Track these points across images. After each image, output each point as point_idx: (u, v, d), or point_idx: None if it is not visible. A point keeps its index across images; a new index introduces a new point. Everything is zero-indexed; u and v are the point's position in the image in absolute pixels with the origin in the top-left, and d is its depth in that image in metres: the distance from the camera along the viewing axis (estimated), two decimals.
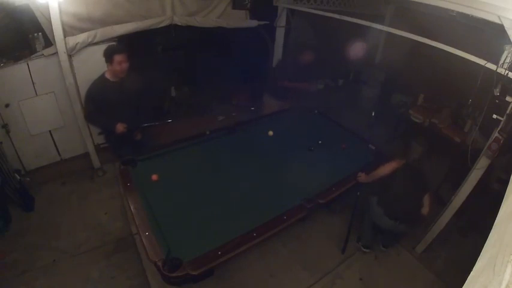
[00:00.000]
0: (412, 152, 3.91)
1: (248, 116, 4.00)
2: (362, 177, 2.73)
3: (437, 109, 3.95)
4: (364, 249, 2.90)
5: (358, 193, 2.68)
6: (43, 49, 3.01)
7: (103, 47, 3.26)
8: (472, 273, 0.96)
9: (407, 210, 2.63)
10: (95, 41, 3.15)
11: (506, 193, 1.25)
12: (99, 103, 2.69)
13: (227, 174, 2.81)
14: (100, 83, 2.70)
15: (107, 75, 2.71)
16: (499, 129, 2.17)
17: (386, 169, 2.63)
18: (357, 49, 4.22)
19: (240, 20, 4.03)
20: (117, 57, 2.57)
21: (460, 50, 2.21)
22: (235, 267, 2.60)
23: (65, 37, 2.93)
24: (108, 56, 2.59)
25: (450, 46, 2.28)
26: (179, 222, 2.29)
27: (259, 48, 4.88)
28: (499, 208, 1.17)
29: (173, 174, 2.77)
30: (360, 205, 2.79)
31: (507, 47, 1.97)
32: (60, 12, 2.77)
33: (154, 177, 2.63)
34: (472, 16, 2.34)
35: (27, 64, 3.00)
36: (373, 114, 4.31)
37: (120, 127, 2.75)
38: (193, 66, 4.83)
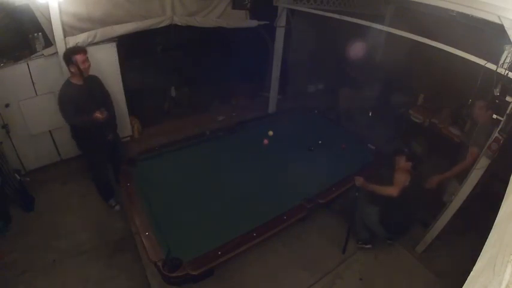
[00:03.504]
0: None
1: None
2: (360, 181, 2.67)
3: (437, 109, 3.95)
4: (366, 246, 2.90)
5: (357, 194, 2.67)
6: (43, 49, 3.01)
7: (103, 47, 3.30)
8: (472, 273, 0.96)
9: (408, 226, 2.78)
10: (95, 41, 3.15)
11: (506, 193, 1.25)
12: (73, 108, 2.56)
13: (227, 174, 2.81)
14: (68, 89, 2.57)
15: (72, 80, 2.60)
16: (499, 129, 2.17)
17: (385, 191, 2.60)
18: (357, 49, 4.22)
19: (240, 20, 4.03)
20: (79, 57, 2.49)
21: (460, 50, 2.21)
22: (235, 267, 2.60)
23: (65, 37, 2.93)
24: (70, 57, 2.48)
25: (450, 46, 2.28)
26: (179, 222, 2.29)
27: (259, 48, 4.89)
28: (499, 208, 1.17)
29: (173, 174, 2.78)
30: (354, 206, 2.77)
31: (507, 47, 1.97)
32: (60, 12, 2.78)
33: (266, 141, 3.16)
34: (472, 16, 2.34)
35: (27, 64, 3.00)
36: (370, 114, 4.33)
37: (99, 114, 2.58)
38: (193, 66, 4.83)
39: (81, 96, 2.57)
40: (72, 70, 2.53)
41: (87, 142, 2.82)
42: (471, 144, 2.66)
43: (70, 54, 2.49)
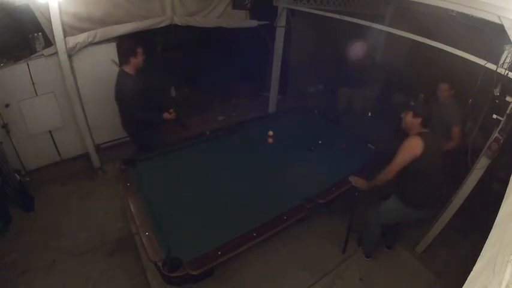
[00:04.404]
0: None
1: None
2: (360, 182, 2.55)
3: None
4: (366, 259, 2.89)
5: (356, 193, 2.65)
6: (43, 49, 3.01)
7: (103, 47, 3.30)
8: (472, 273, 0.95)
9: (440, 193, 2.53)
10: (95, 41, 3.15)
11: (506, 193, 1.25)
12: (133, 97, 2.76)
13: (227, 174, 2.81)
14: (126, 79, 2.78)
15: (127, 70, 2.80)
16: (499, 129, 2.17)
17: (383, 178, 2.35)
18: (357, 49, 4.22)
19: (240, 20, 4.03)
20: (140, 49, 2.77)
21: (460, 50, 2.21)
22: (235, 267, 2.60)
23: (65, 37, 2.93)
24: (134, 49, 2.75)
25: (450, 46, 2.28)
26: (179, 222, 2.29)
27: (259, 48, 4.89)
28: (499, 208, 1.17)
29: (173, 174, 2.78)
30: (354, 207, 2.73)
31: (507, 47, 1.97)
32: (60, 12, 2.77)
33: (271, 140, 3.21)
34: (472, 16, 2.34)
35: (27, 64, 3.00)
36: (369, 114, 4.32)
37: (168, 115, 2.98)
38: (193, 66, 4.83)
39: (136, 85, 2.79)
40: (132, 61, 2.77)
41: (146, 127, 3.03)
42: (450, 125, 2.86)
43: (134, 47, 2.75)
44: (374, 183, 2.48)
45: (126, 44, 2.84)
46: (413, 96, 3.56)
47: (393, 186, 2.47)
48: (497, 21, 1.89)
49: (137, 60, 2.79)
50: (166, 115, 2.98)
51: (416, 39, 2.54)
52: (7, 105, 3.04)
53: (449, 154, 2.95)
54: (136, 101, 2.77)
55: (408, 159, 2.20)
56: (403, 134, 2.39)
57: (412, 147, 2.19)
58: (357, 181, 2.59)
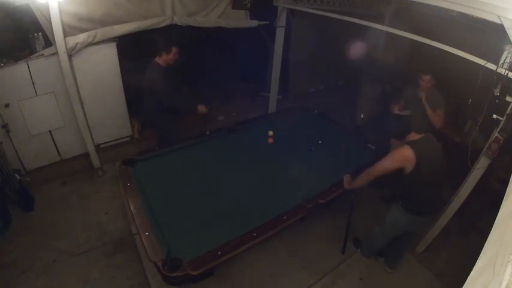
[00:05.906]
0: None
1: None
2: (345, 180, 2.51)
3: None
4: (366, 258, 2.89)
5: (353, 196, 2.64)
6: (43, 49, 3.01)
7: (103, 47, 3.30)
8: (472, 273, 0.95)
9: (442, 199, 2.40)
10: (95, 41, 3.15)
11: (506, 193, 1.25)
12: (163, 85, 2.92)
13: (227, 174, 2.81)
14: (157, 70, 2.96)
15: (159, 62, 2.98)
16: (499, 129, 2.18)
17: (369, 177, 2.22)
18: (356, 49, 4.22)
19: (240, 20, 4.03)
20: (175, 49, 2.95)
21: (460, 50, 2.21)
22: (235, 267, 2.60)
23: (65, 37, 2.93)
24: (168, 47, 2.94)
25: (450, 46, 2.28)
26: (179, 222, 2.29)
27: (259, 48, 4.89)
28: (499, 208, 1.17)
29: (173, 174, 2.78)
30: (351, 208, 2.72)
31: (507, 47, 1.97)
32: (60, 12, 2.77)
33: (271, 139, 3.27)
34: (472, 16, 2.34)
35: (27, 64, 3.00)
36: (361, 116, 4.34)
37: (203, 108, 3.15)
38: (193, 66, 4.83)
39: (166, 77, 2.98)
40: (163, 56, 2.96)
41: (166, 119, 3.20)
42: (433, 110, 2.96)
43: (170, 46, 2.94)
44: (355, 185, 2.42)
45: (165, 39, 3.00)
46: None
47: (396, 195, 2.39)
48: (497, 21, 1.89)
49: (168, 57, 2.96)
50: (201, 107, 3.14)
51: (416, 39, 2.54)
52: (7, 105, 3.04)
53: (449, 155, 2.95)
54: (165, 89, 2.91)
55: (393, 168, 2.11)
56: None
57: (400, 159, 2.08)
58: (345, 179, 2.56)
